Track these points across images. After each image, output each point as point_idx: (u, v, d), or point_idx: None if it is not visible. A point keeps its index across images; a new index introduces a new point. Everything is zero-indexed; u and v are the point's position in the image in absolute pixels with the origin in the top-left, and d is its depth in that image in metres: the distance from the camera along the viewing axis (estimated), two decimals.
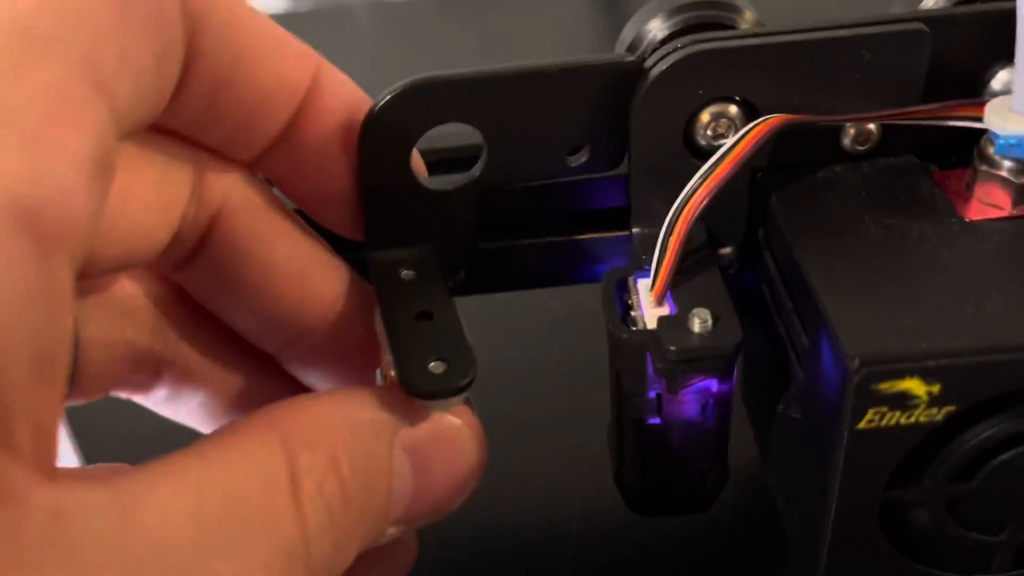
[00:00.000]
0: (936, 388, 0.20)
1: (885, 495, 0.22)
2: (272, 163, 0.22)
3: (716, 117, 0.25)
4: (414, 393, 0.19)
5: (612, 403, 0.27)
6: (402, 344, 0.20)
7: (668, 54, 0.24)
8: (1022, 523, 0.23)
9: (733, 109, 0.25)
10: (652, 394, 0.25)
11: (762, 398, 0.28)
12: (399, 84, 0.20)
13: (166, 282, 0.23)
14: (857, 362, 0.20)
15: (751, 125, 0.24)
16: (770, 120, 0.24)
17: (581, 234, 0.28)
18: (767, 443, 0.28)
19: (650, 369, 0.25)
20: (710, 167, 0.24)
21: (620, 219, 0.28)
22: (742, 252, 0.27)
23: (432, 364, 0.20)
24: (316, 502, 0.18)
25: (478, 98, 0.20)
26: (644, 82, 0.24)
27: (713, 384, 0.25)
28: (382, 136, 0.20)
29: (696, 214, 0.24)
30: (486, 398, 0.39)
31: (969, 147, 0.25)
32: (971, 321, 0.20)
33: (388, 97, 0.19)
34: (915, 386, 0.20)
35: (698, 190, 0.24)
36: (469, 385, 0.20)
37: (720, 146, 0.24)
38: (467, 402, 0.21)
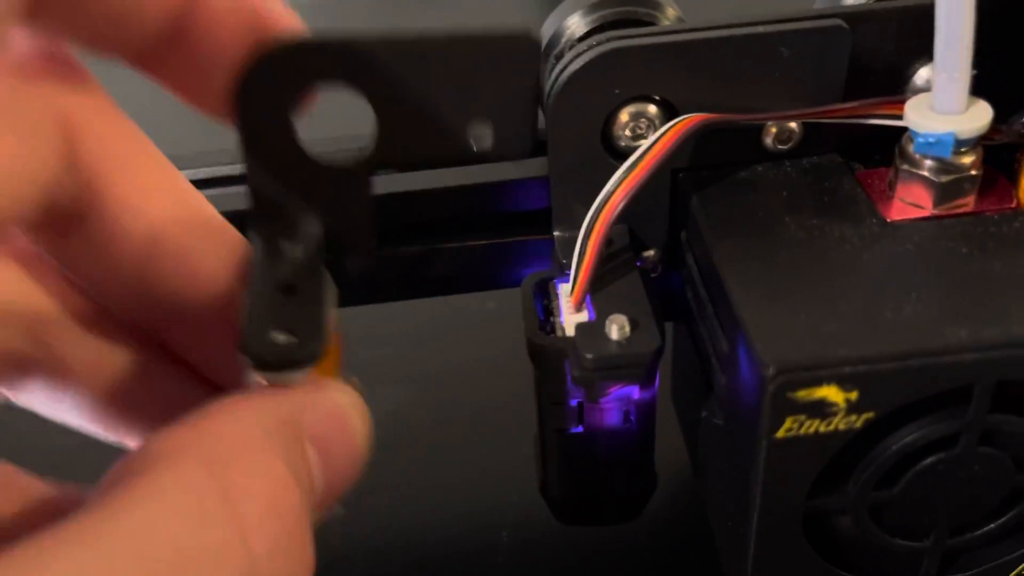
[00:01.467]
0: (854, 395, 0.20)
1: (809, 503, 0.22)
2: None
3: (635, 117, 0.24)
4: (252, 360, 0.18)
5: (537, 412, 0.27)
6: (251, 312, 0.19)
7: (583, 52, 0.23)
8: (946, 529, 0.23)
9: (652, 109, 0.24)
10: (574, 402, 0.24)
11: (689, 403, 0.27)
12: (274, 41, 0.19)
13: (30, 268, 0.21)
14: (772, 370, 0.19)
15: (669, 125, 0.23)
16: (688, 119, 0.23)
17: (504, 237, 0.27)
18: (695, 449, 0.27)
19: (571, 377, 0.24)
20: (627, 168, 0.23)
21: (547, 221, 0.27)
22: (666, 254, 0.26)
23: (276, 334, 0.18)
24: (258, 523, 0.16)
25: (360, 61, 0.18)
26: (559, 81, 0.23)
27: (634, 391, 0.24)
28: (259, 98, 0.19)
29: (614, 217, 0.23)
30: (423, 402, 0.38)
31: (893, 145, 0.24)
32: (889, 326, 0.20)
33: (261, 55, 0.18)
34: (832, 393, 0.20)
35: (615, 192, 0.23)
36: (309, 361, 0.18)
37: (639, 147, 0.24)
38: (355, 386, 0.20)
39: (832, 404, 0.20)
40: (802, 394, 0.19)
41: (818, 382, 0.19)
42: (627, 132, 0.24)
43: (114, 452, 0.17)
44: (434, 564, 0.32)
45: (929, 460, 0.21)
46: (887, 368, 0.19)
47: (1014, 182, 0.24)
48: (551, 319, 0.24)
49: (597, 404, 0.24)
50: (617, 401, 0.24)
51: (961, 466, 0.21)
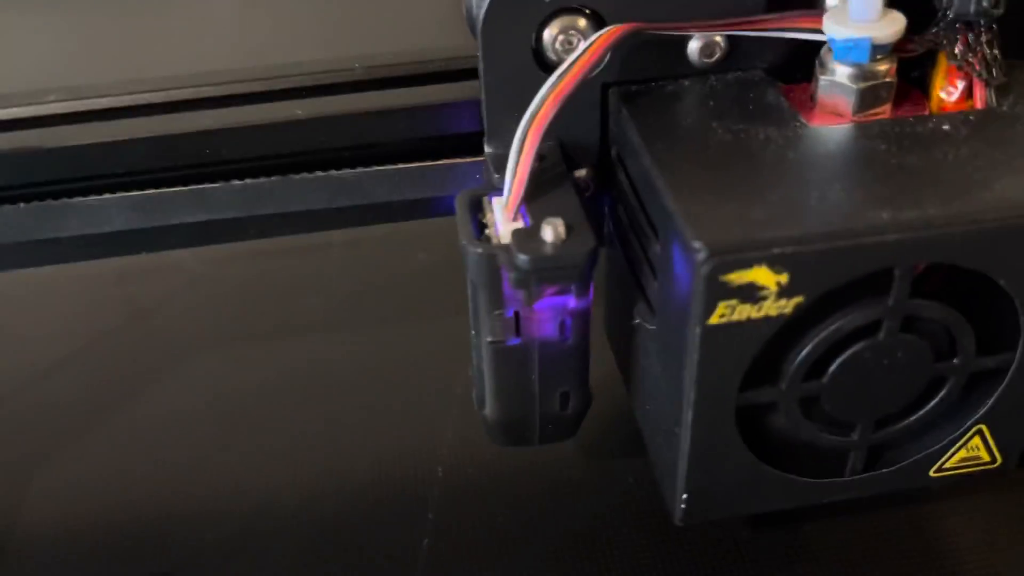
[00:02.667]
0: (784, 277, 0.20)
1: (741, 397, 0.22)
2: None
3: (564, 30, 0.25)
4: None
5: (472, 329, 0.27)
6: None
7: None
8: (871, 423, 0.24)
9: (582, 21, 0.25)
10: (510, 312, 0.24)
11: (621, 323, 0.28)
12: None
13: None
14: (705, 253, 0.20)
15: (595, 35, 0.24)
16: (615, 29, 0.24)
17: (436, 160, 0.28)
18: (628, 365, 0.27)
19: (507, 287, 0.24)
20: (557, 78, 0.23)
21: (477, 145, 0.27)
22: (597, 173, 0.27)
23: None
24: None
25: None
26: None
27: (570, 300, 0.24)
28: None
29: (546, 125, 0.23)
30: (355, 350, 0.38)
31: (812, 64, 0.25)
32: (815, 211, 0.21)
33: None
34: (763, 276, 0.20)
35: (546, 100, 0.23)
36: None
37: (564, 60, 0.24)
38: None
39: (763, 288, 0.20)
40: (734, 277, 0.20)
41: (748, 264, 0.20)
42: (557, 46, 0.25)
43: None
44: (370, 502, 0.31)
45: (854, 348, 0.22)
46: (815, 248, 0.20)
47: (927, 93, 0.25)
48: (485, 232, 0.24)
49: (533, 314, 0.25)
50: (553, 311, 0.25)
51: (884, 353, 0.22)
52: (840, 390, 0.23)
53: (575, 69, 0.23)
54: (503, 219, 0.24)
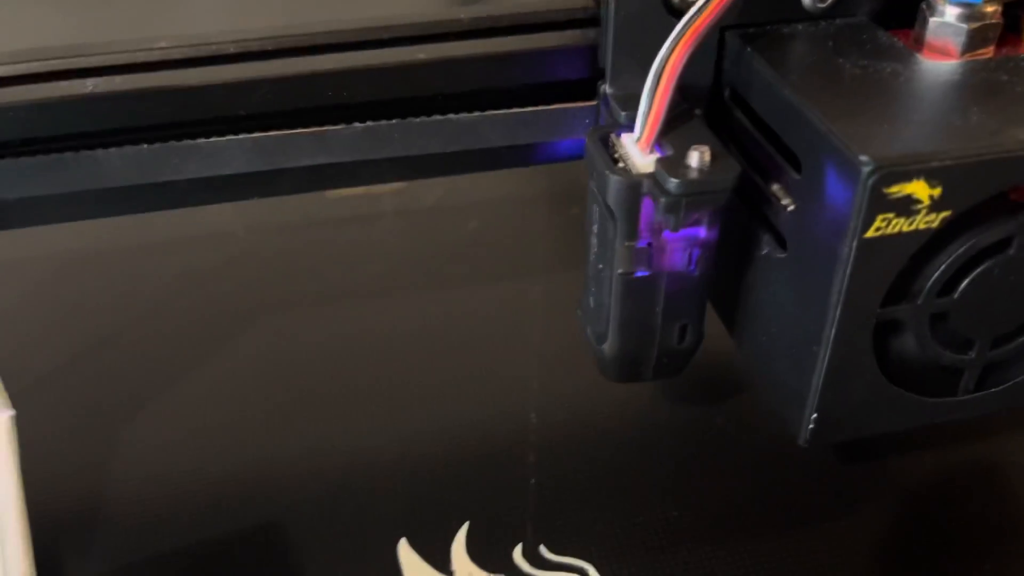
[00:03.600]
0: (938, 191, 0.21)
1: (880, 313, 0.23)
2: None
3: None
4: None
5: (591, 272, 0.27)
6: None
7: None
8: (988, 340, 0.25)
9: None
10: (643, 243, 0.25)
11: (729, 273, 0.29)
12: None
13: None
14: (871, 166, 0.21)
15: None
16: None
17: (547, 104, 0.28)
18: (736, 304, 0.28)
19: (643, 218, 0.25)
20: (693, 14, 0.24)
21: (577, 92, 0.28)
22: (706, 115, 0.28)
23: None
24: None
25: None
26: None
27: (701, 231, 0.26)
28: None
29: (684, 60, 0.24)
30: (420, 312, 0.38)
31: (910, 14, 0.27)
32: (961, 131, 0.22)
33: None
34: (920, 189, 0.21)
35: (683, 37, 0.24)
36: None
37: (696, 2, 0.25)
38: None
39: (918, 201, 0.22)
40: (894, 189, 0.21)
41: (909, 177, 0.21)
42: None
43: None
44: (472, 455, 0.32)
45: (986, 264, 0.23)
46: (967, 162, 0.21)
47: (1021, 35, 0.27)
48: (618, 165, 0.25)
49: (666, 245, 0.25)
50: (685, 240, 0.26)
51: (1012, 270, 0.24)
52: (967, 307, 0.24)
53: (714, 3, 0.24)
54: (637, 153, 0.25)
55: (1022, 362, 0.26)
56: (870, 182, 0.21)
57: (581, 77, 0.28)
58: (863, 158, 0.21)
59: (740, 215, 0.27)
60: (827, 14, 0.27)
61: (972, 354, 0.25)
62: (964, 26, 0.25)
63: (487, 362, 0.35)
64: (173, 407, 0.33)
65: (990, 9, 0.25)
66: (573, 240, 0.40)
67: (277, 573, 0.28)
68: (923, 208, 0.22)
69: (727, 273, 0.29)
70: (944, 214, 0.22)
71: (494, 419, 0.32)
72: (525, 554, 0.28)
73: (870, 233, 0.22)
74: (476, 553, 0.28)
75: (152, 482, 0.31)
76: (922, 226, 0.22)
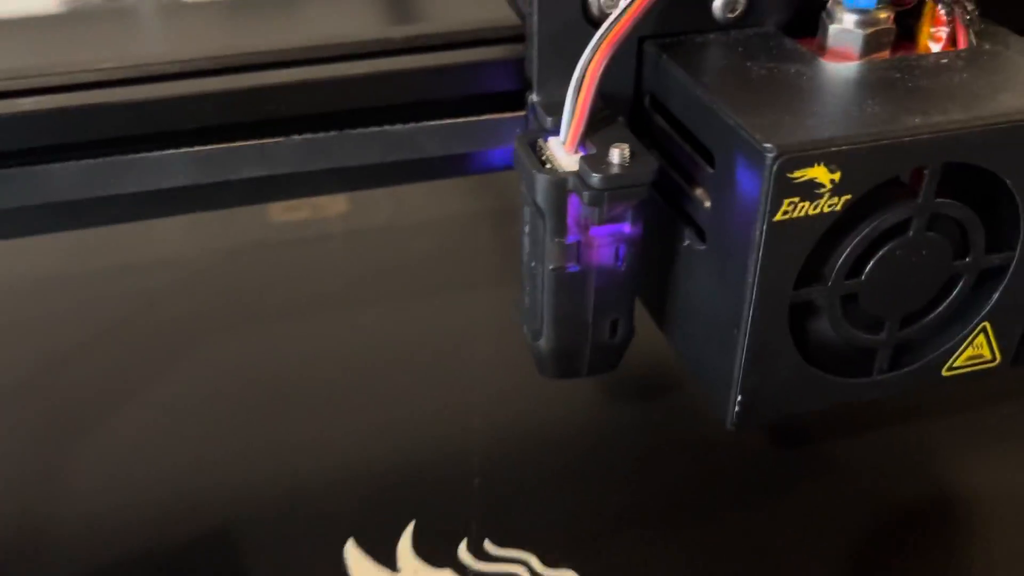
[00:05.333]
0: (837, 175, 0.23)
1: (794, 295, 0.25)
2: None
3: None
4: None
5: (525, 271, 0.29)
6: None
7: None
8: (897, 321, 0.27)
9: None
10: (572, 238, 0.27)
11: (656, 269, 0.30)
12: None
13: None
14: (774, 152, 0.22)
15: None
16: None
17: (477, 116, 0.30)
18: (664, 299, 0.30)
19: (571, 215, 0.26)
20: (612, 22, 0.26)
21: (507, 103, 0.30)
22: (629, 123, 0.30)
23: None
24: None
25: None
26: None
27: (626, 227, 0.27)
28: None
29: (604, 62, 0.26)
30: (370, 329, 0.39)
31: (814, 24, 0.29)
32: (859, 119, 0.24)
33: None
34: (821, 174, 0.23)
35: (603, 41, 0.26)
36: None
37: (613, 12, 0.27)
38: None
39: (820, 185, 0.23)
40: (797, 174, 0.23)
41: (810, 162, 0.23)
42: (602, 0, 0.28)
43: None
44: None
45: (889, 245, 0.25)
46: (863, 147, 0.23)
47: (915, 42, 0.29)
48: (546, 166, 0.27)
49: (593, 241, 0.27)
50: (611, 236, 0.27)
51: (912, 250, 0.25)
52: (875, 288, 0.26)
53: (628, 14, 0.26)
54: (563, 154, 0.27)
55: (931, 341, 0.28)
56: (775, 167, 0.23)
57: (510, 89, 0.30)
58: (767, 145, 0.23)
59: (663, 214, 0.29)
60: (736, 24, 0.29)
61: (883, 334, 0.27)
62: (861, 31, 0.27)
63: (432, 370, 0.36)
64: (127, 422, 0.34)
65: (883, 15, 0.27)
66: (517, 255, 0.41)
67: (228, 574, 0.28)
68: (825, 192, 0.23)
69: (654, 270, 0.30)
70: (845, 197, 0.24)
71: (438, 424, 0.33)
72: (470, 549, 0.29)
73: (778, 217, 0.23)
74: (422, 551, 0.29)
75: (107, 493, 0.31)
76: (826, 209, 0.24)
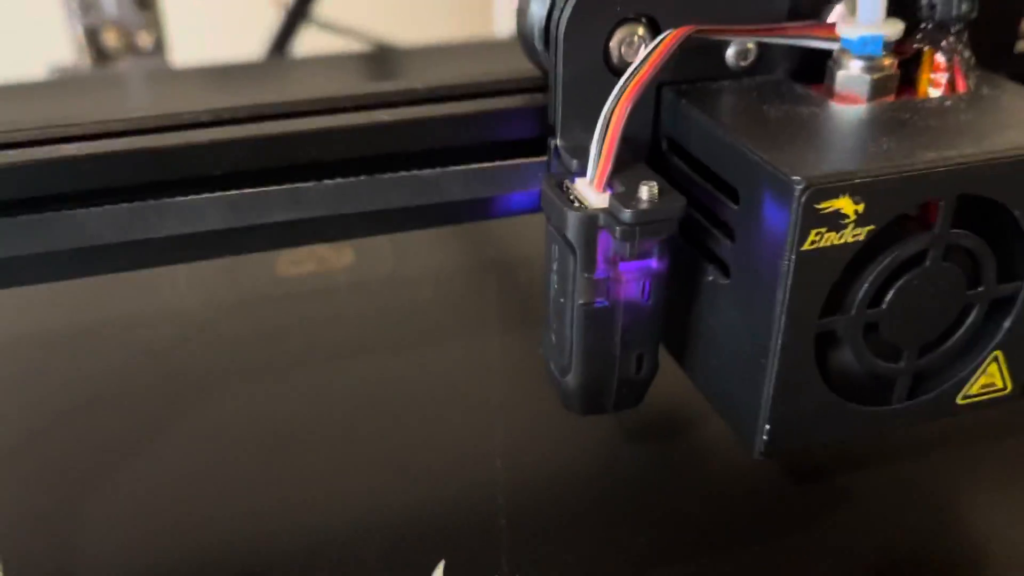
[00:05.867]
0: (861, 206, 0.24)
1: (820, 324, 0.26)
2: None
3: (628, 36, 0.29)
4: None
5: (553, 308, 0.29)
6: None
7: None
8: (916, 350, 0.28)
9: (641, 29, 0.29)
10: (601, 274, 0.27)
11: (677, 309, 0.31)
12: None
13: None
14: (803, 184, 0.24)
15: (663, 35, 0.28)
16: (678, 31, 0.28)
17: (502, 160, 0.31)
18: (687, 337, 0.31)
19: (600, 251, 0.27)
20: (635, 68, 0.27)
21: (528, 149, 0.31)
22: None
23: None
24: None
25: None
26: (568, 5, 0.28)
27: (653, 263, 0.28)
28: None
29: (630, 106, 0.27)
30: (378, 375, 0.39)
31: (820, 72, 0.30)
32: (878, 155, 0.25)
33: None
34: (846, 204, 0.24)
35: (629, 86, 0.27)
36: None
37: (634, 62, 0.28)
38: None
39: (845, 216, 0.24)
40: (824, 205, 0.24)
41: (835, 193, 0.24)
42: (623, 50, 0.29)
43: None
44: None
45: (907, 275, 0.26)
46: (885, 179, 0.24)
47: (915, 88, 0.31)
48: (575, 205, 0.28)
49: (621, 276, 0.28)
50: (638, 272, 0.28)
51: (929, 281, 0.26)
52: (895, 317, 0.27)
53: (650, 61, 0.27)
54: (591, 193, 0.28)
55: (947, 370, 0.29)
56: (803, 199, 0.24)
57: (531, 136, 0.31)
58: (796, 178, 0.24)
59: (684, 254, 0.30)
60: (748, 72, 0.30)
61: (902, 363, 0.28)
62: (868, 76, 0.29)
63: (450, 415, 0.36)
64: (140, 476, 0.34)
65: (888, 62, 0.29)
66: (522, 301, 0.42)
67: None
68: (850, 222, 0.25)
69: (676, 311, 0.31)
70: (869, 228, 0.25)
71: (461, 467, 0.34)
72: None
73: (806, 246, 0.24)
74: None
75: (124, 551, 0.31)
76: (850, 239, 0.25)
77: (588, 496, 0.32)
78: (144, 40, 0.81)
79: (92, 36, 0.80)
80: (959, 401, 0.29)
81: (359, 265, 0.45)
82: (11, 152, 0.27)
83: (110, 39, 0.80)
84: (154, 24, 0.81)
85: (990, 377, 0.29)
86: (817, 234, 0.24)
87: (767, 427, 0.27)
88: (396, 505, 0.32)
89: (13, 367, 0.39)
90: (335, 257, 0.45)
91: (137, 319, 0.41)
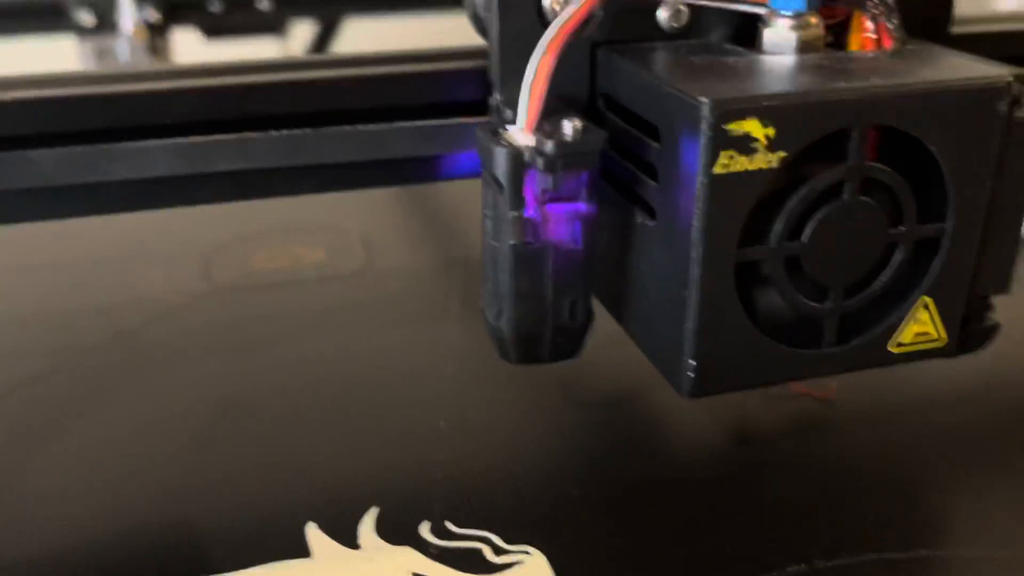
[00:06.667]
0: (771, 131, 0.25)
1: (739, 253, 0.26)
2: None
3: None
4: None
5: (487, 255, 0.30)
6: None
7: None
8: (841, 289, 0.28)
9: None
10: (529, 213, 0.28)
11: (610, 263, 0.31)
12: None
13: None
14: (709, 105, 0.24)
15: None
16: None
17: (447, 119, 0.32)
18: (620, 291, 0.31)
19: (528, 190, 0.28)
20: (562, 20, 0.28)
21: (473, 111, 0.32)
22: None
23: None
24: None
25: None
26: None
27: (581, 206, 0.29)
28: None
29: (556, 54, 0.28)
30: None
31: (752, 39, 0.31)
32: (791, 85, 0.26)
33: None
34: (755, 128, 0.25)
35: (555, 36, 0.28)
36: None
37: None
38: None
39: (755, 140, 0.25)
40: (732, 126, 0.25)
41: (743, 115, 0.25)
42: (555, 8, 0.30)
43: None
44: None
45: (824, 209, 0.27)
46: (794, 104, 0.25)
47: (845, 50, 0.32)
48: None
49: (549, 217, 0.28)
50: (566, 214, 0.29)
51: (847, 215, 0.27)
52: (816, 252, 0.27)
53: (578, 11, 0.29)
54: (520, 136, 0.29)
55: (876, 314, 0.29)
56: (711, 118, 0.24)
57: (475, 98, 0.32)
58: (703, 99, 0.25)
59: (616, 205, 0.30)
60: (681, 35, 0.32)
61: (828, 303, 0.28)
62: (794, 33, 0.30)
63: (404, 386, 0.36)
64: (90, 441, 0.34)
65: (814, 20, 0.30)
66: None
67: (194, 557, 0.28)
68: (760, 147, 0.25)
69: (609, 263, 0.31)
70: (780, 155, 0.25)
71: (409, 429, 0.34)
72: (432, 529, 0.29)
73: (717, 168, 0.25)
74: (384, 531, 0.29)
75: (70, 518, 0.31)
76: (763, 165, 0.25)
77: (528, 455, 0.32)
78: None
79: None
80: (892, 349, 0.29)
81: (330, 262, 0.46)
82: None
83: None
84: None
85: (922, 325, 0.29)
86: (728, 156, 0.25)
87: (692, 363, 0.27)
88: (330, 464, 0.32)
89: None
90: (308, 254, 0.46)
91: (107, 304, 0.42)
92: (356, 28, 0.82)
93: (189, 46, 0.78)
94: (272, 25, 0.75)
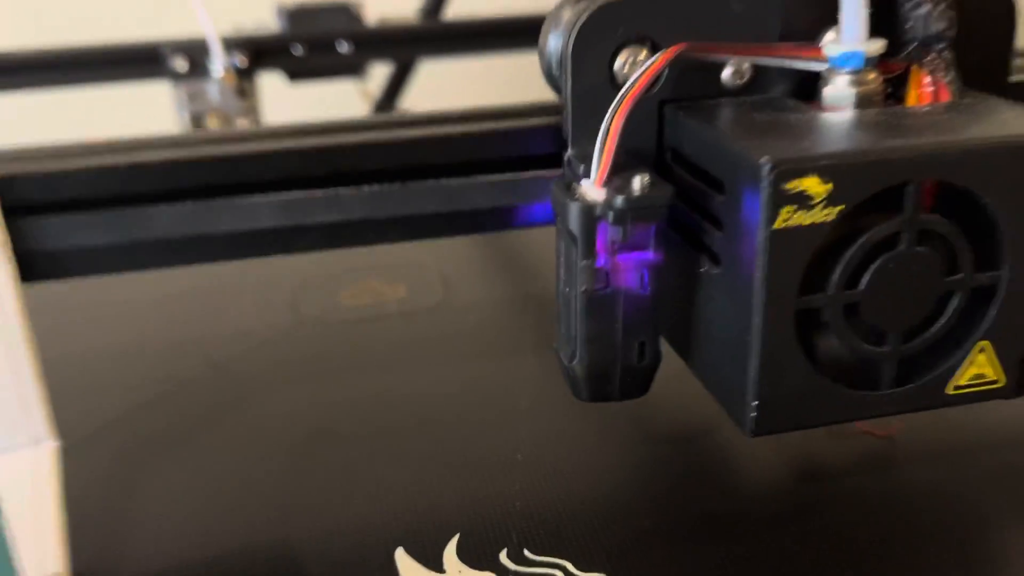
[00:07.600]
0: (829, 186, 0.27)
1: (799, 301, 0.28)
2: None
3: (631, 56, 0.32)
4: None
5: (561, 299, 0.32)
6: None
7: (587, 8, 0.32)
8: (900, 334, 0.29)
9: (643, 52, 0.32)
10: (600, 262, 0.30)
11: (677, 306, 0.33)
12: None
13: None
14: (769, 165, 0.26)
15: (657, 54, 0.31)
16: (670, 49, 0.31)
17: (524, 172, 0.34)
18: (688, 333, 0.33)
19: (599, 241, 0.30)
20: (632, 82, 0.31)
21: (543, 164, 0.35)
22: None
23: None
24: None
25: None
26: (578, 22, 0.31)
27: (648, 254, 0.30)
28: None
29: (626, 113, 0.30)
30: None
31: (813, 91, 0.33)
32: (848, 143, 0.28)
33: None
34: (813, 184, 0.27)
35: (626, 96, 0.30)
36: None
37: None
38: None
39: (813, 196, 0.27)
40: (791, 184, 0.26)
41: (803, 172, 0.26)
42: (625, 70, 0.32)
43: None
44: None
45: (881, 259, 0.28)
46: (851, 162, 0.27)
47: (904, 103, 0.33)
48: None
49: (619, 265, 0.30)
50: (634, 262, 0.30)
51: (904, 264, 0.28)
52: (874, 299, 0.28)
53: (646, 74, 0.31)
54: (592, 191, 0.31)
55: (934, 358, 0.30)
56: (770, 178, 0.26)
57: (550, 152, 0.35)
58: (763, 160, 0.26)
59: (683, 253, 0.32)
60: (744, 92, 0.33)
61: (887, 347, 0.29)
62: (852, 89, 0.31)
63: (482, 418, 0.39)
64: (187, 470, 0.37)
65: (871, 76, 0.32)
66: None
67: None
68: (819, 202, 0.27)
69: (676, 307, 0.33)
70: (838, 208, 0.27)
71: (487, 460, 0.36)
72: (510, 556, 0.31)
73: (777, 224, 0.27)
74: (465, 557, 0.31)
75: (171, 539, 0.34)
76: (822, 219, 0.27)
77: (598, 485, 0.34)
78: (242, 125, 0.88)
79: (197, 121, 0.88)
80: (950, 391, 0.30)
81: (411, 298, 0.48)
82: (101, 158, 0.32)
83: (212, 124, 0.88)
84: (252, 111, 0.89)
85: (980, 368, 0.30)
86: (787, 212, 0.27)
87: (755, 403, 0.29)
88: (415, 491, 0.35)
89: (86, 375, 0.44)
90: (390, 290, 0.49)
91: (203, 337, 0.45)
92: (431, 69, 0.86)
93: (274, 89, 0.82)
94: (352, 67, 0.78)
